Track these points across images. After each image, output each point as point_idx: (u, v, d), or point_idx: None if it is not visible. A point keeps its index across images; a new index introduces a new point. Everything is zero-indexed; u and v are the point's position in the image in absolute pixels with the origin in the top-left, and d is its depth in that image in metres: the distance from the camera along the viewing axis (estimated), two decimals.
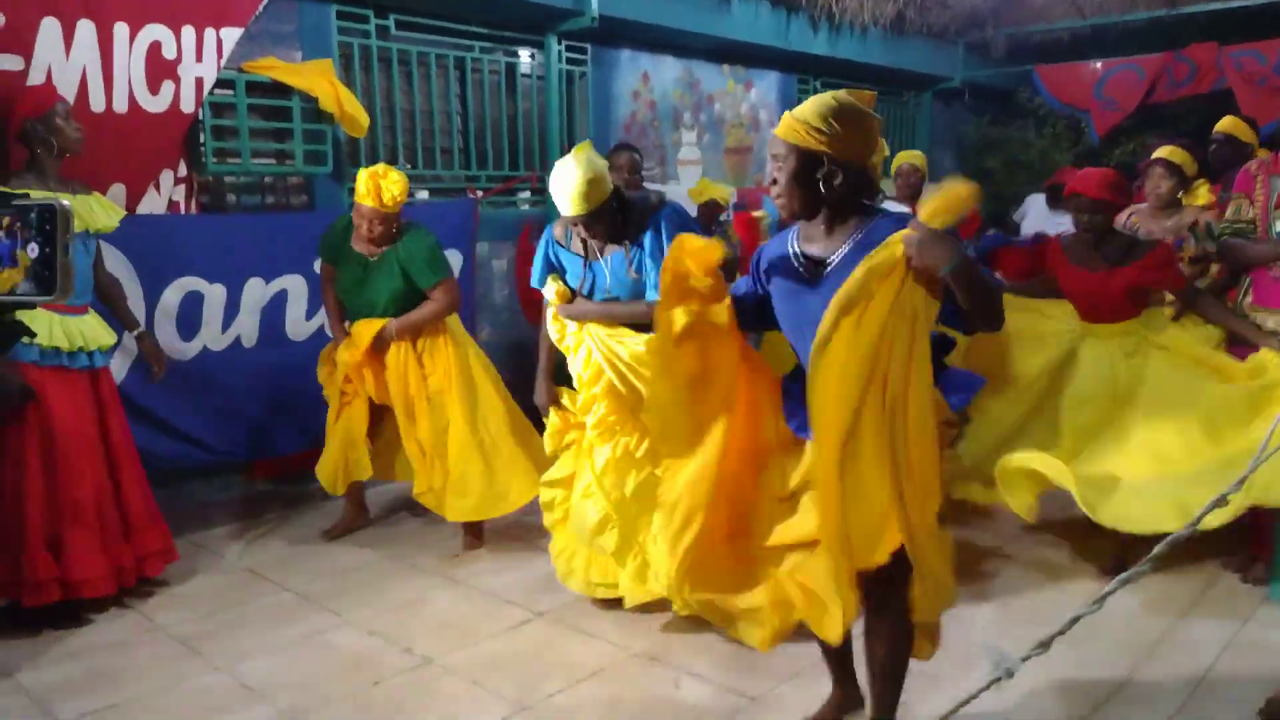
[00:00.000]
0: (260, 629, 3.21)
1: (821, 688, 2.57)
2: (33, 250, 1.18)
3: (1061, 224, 6.48)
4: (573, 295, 3.09)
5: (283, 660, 3.00)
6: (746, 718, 2.63)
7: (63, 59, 3.36)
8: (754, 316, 2.35)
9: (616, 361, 2.98)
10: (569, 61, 5.47)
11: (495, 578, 3.63)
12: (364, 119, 4.33)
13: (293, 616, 3.30)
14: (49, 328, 3.08)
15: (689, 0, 5.59)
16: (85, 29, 3.38)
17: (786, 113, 2.12)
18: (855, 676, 2.51)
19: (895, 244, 1.95)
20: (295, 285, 4.25)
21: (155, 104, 3.66)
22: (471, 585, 3.56)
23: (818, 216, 2.14)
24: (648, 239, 2.94)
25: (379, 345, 3.68)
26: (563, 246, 3.12)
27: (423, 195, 5.01)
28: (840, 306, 1.96)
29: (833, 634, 2.16)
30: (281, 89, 4.12)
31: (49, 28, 3.29)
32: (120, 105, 3.56)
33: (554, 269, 3.15)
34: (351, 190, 4.61)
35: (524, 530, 4.03)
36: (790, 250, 2.20)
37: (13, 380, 3.01)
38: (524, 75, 5.41)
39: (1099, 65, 7.46)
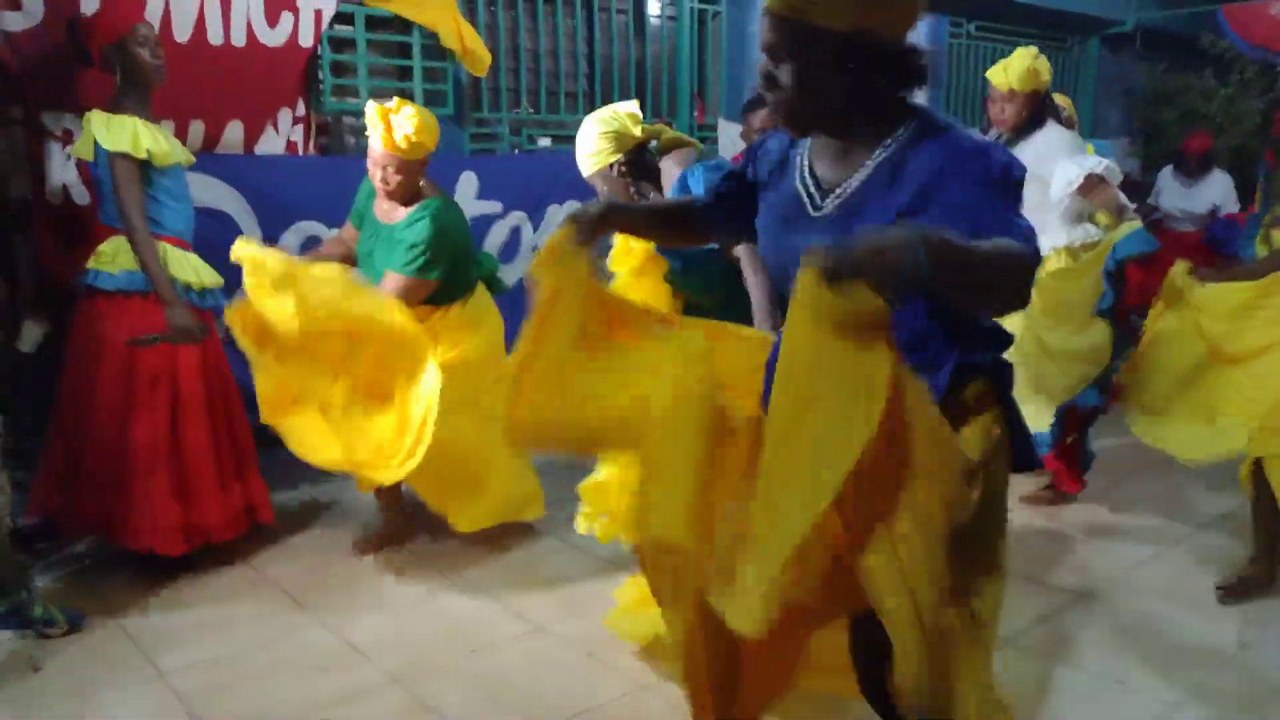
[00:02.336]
0: (371, 586, 3.05)
1: None
2: None
3: (1204, 199, 5.74)
4: None
5: (392, 620, 2.83)
6: None
7: None
8: (724, 214, 1.77)
9: None
10: (702, 0, 5.12)
11: (616, 543, 3.37)
12: (487, 57, 4.09)
13: (404, 575, 3.14)
14: (182, 262, 2.95)
15: None
16: None
17: None
18: None
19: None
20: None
21: (273, 37, 3.52)
22: (590, 551, 3.31)
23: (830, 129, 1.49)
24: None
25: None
26: None
27: (544, 142, 4.77)
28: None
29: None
30: (402, 24, 3.93)
31: None
32: (238, 38, 3.42)
33: None
34: (474, 136, 4.44)
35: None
36: (798, 159, 1.57)
37: (186, 315, 2.90)
38: (654, 16, 5.09)
39: None
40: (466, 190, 4.24)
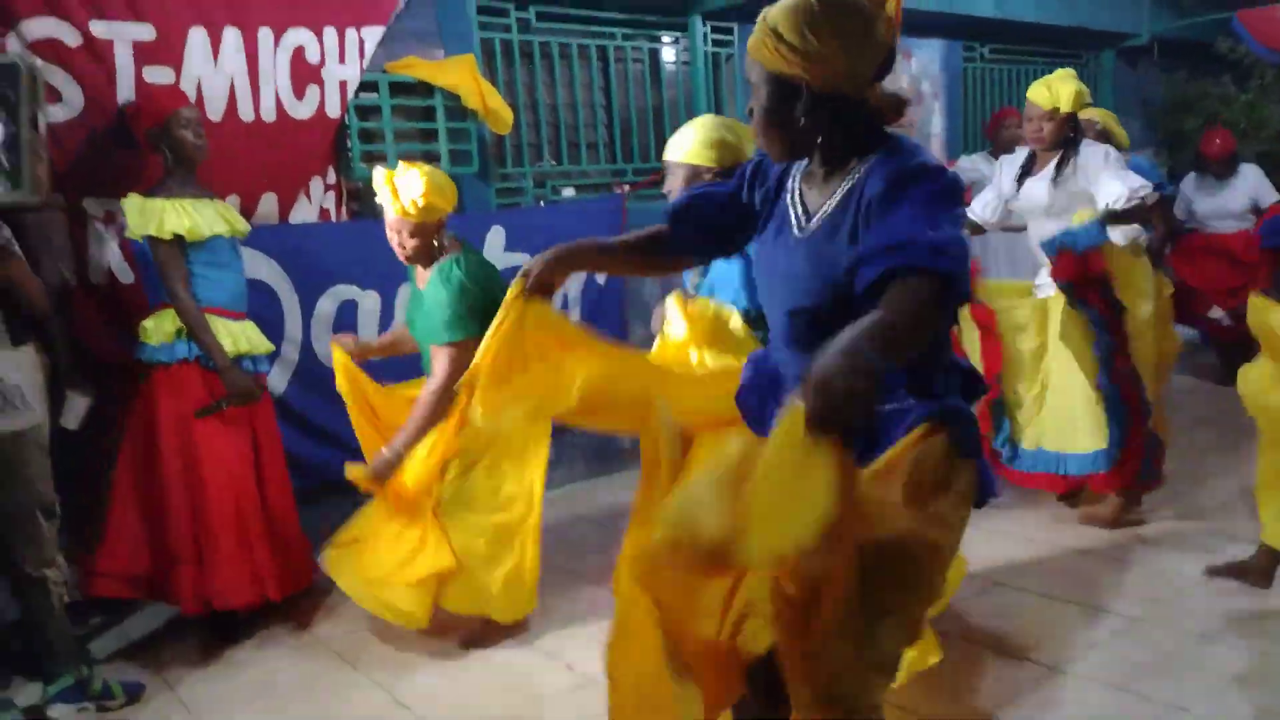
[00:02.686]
0: (420, 642, 3.06)
1: None
2: None
3: (1238, 195, 5.69)
4: None
5: (441, 677, 2.84)
6: None
7: (211, 69, 3.35)
8: (706, 230, 1.83)
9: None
10: (714, 44, 5.20)
11: None
12: (508, 115, 4.20)
13: (454, 629, 3.15)
14: (215, 331, 3.05)
15: None
16: (231, 36, 3.36)
17: (761, 15, 1.56)
18: None
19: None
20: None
21: (302, 110, 3.62)
22: None
23: (814, 157, 1.64)
24: None
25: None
26: None
27: (569, 192, 4.84)
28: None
29: None
30: (424, 88, 4.04)
31: (197, 37, 3.29)
32: (268, 113, 3.53)
33: None
34: (499, 191, 4.52)
35: None
36: (791, 181, 1.71)
37: (243, 379, 3.03)
38: (668, 62, 5.17)
39: None
40: (495, 244, 4.31)
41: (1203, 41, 7.39)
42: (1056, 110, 3.46)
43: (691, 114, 5.12)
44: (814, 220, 1.62)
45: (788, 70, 1.51)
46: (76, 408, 2.77)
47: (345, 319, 3.88)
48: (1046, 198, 3.56)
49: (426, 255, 2.96)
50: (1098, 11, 6.81)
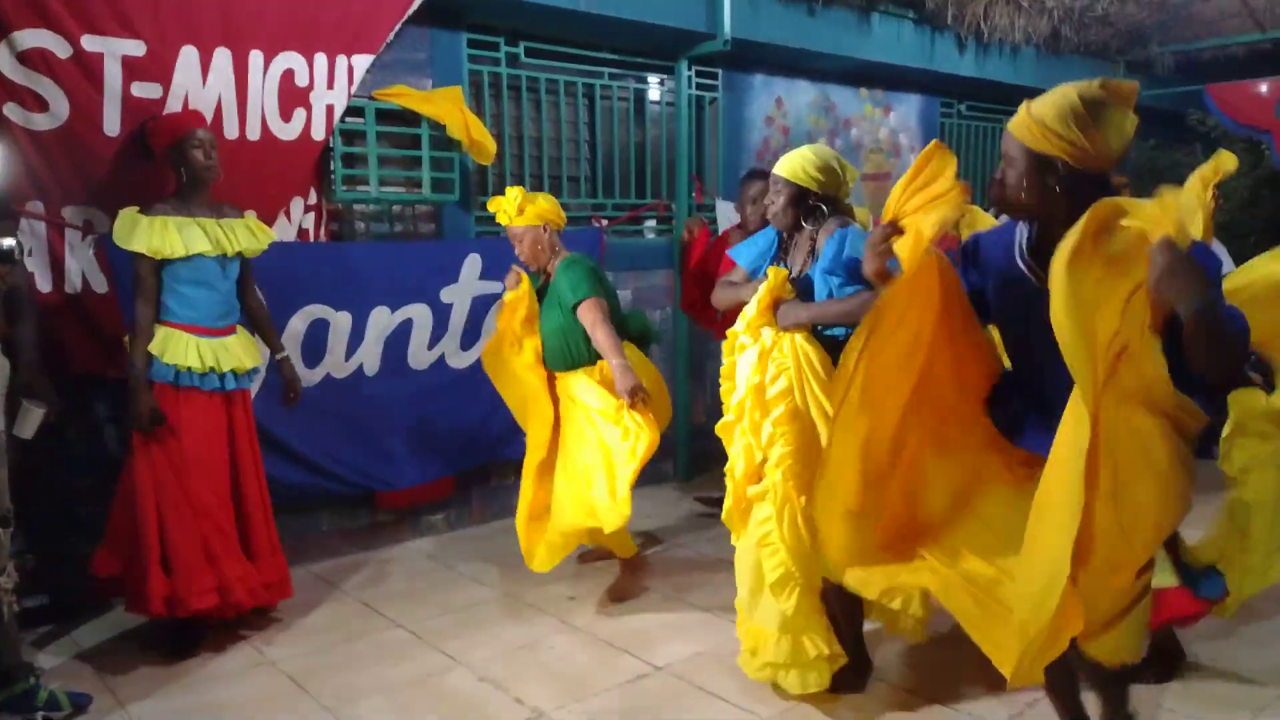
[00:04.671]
0: (371, 667, 3.08)
1: None
2: None
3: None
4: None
5: (392, 702, 2.85)
6: None
7: (199, 87, 3.40)
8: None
9: (813, 379, 2.61)
10: (699, 87, 5.30)
11: (613, 624, 3.41)
12: (492, 146, 4.26)
13: (405, 655, 3.17)
14: (184, 347, 3.11)
15: (826, 20, 5.35)
16: (222, 57, 3.42)
17: (1024, 105, 1.96)
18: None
19: (1140, 242, 1.67)
20: (420, 314, 4.19)
21: (287, 132, 3.67)
22: (588, 631, 3.35)
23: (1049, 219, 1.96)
24: (828, 250, 2.66)
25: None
26: (783, 260, 2.90)
27: None
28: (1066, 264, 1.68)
29: (1005, 669, 1.87)
30: (411, 116, 4.10)
31: (187, 56, 3.34)
32: (253, 133, 3.58)
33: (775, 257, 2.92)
34: (479, 219, 4.57)
35: (646, 573, 3.81)
36: (1018, 248, 2.05)
37: (145, 403, 3.03)
38: (653, 102, 5.27)
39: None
40: (471, 272, 4.36)
41: (1175, 111, 7.62)
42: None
43: (674, 154, 5.23)
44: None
45: (1050, 150, 1.88)
46: (32, 418, 2.77)
47: (316, 338, 3.91)
48: None
49: (537, 257, 3.54)
50: (1073, 78, 6.88)
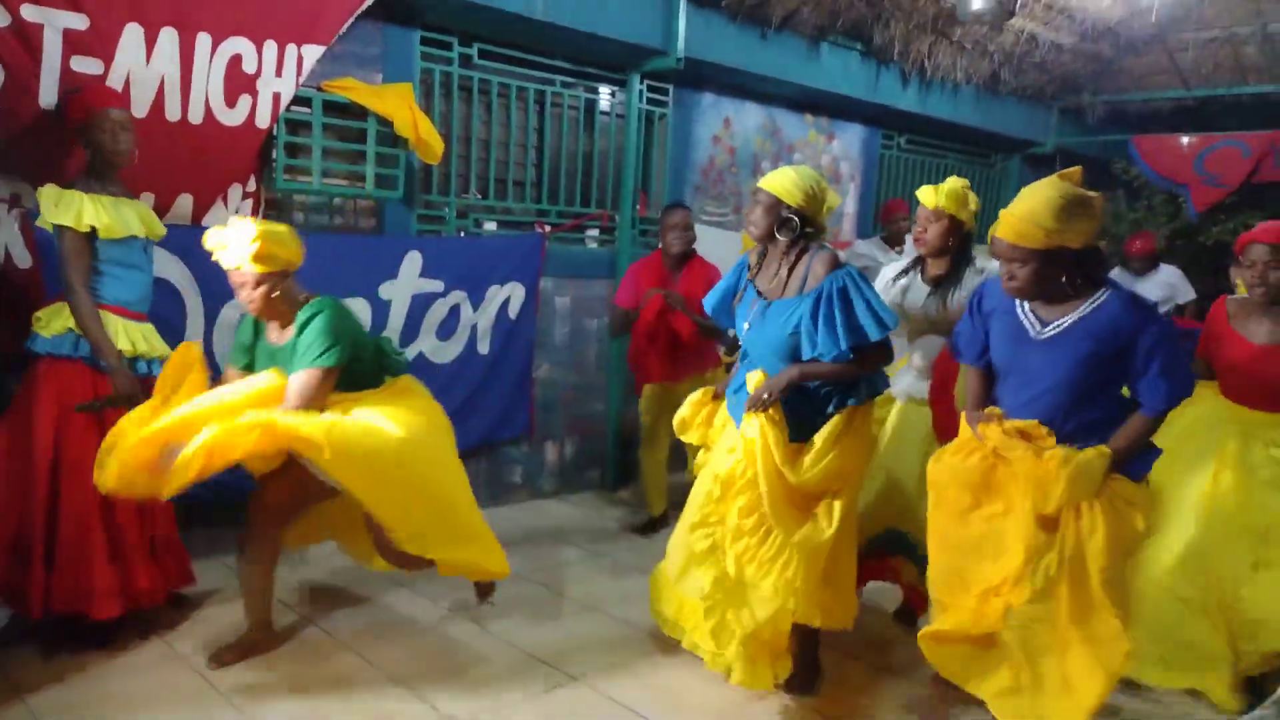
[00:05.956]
0: (286, 668, 3.05)
1: None
2: None
3: (1154, 288, 6.16)
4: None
5: (306, 707, 2.83)
6: None
7: (143, 66, 3.32)
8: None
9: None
10: (650, 102, 5.36)
11: (527, 632, 3.43)
12: (439, 146, 4.25)
13: (317, 655, 3.15)
14: (113, 330, 3.01)
15: (778, 45, 5.46)
16: (167, 37, 3.35)
17: (1008, 213, 2.36)
18: None
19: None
20: (357, 309, 4.16)
21: (231, 117, 3.61)
22: (505, 639, 3.36)
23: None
24: (822, 294, 2.73)
25: None
26: (751, 280, 2.97)
27: (490, 226, 4.91)
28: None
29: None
30: (358, 110, 4.06)
31: (132, 33, 3.26)
32: (195, 116, 3.51)
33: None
34: (421, 217, 4.55)
35: (555, 580, 3.84)
36: (1019, 304, 2.52)
37: (127, 383, 2.97)
38: (603, 112, 5.31)
39: (1201, 138, 7.12)
40: (411, 269, 4.35)
41: (1101, 158, 7.95)
42: (941, 211, 3.26)
43: (620, 165, 5.28)
44: (1057, 330, 2.44)
45: (1054, 244, 2.32)
46: None
47: None
48: (922, 308, 3.36)
49: (268, 310, 2.89)
50: (1009, 119, 7.27)
